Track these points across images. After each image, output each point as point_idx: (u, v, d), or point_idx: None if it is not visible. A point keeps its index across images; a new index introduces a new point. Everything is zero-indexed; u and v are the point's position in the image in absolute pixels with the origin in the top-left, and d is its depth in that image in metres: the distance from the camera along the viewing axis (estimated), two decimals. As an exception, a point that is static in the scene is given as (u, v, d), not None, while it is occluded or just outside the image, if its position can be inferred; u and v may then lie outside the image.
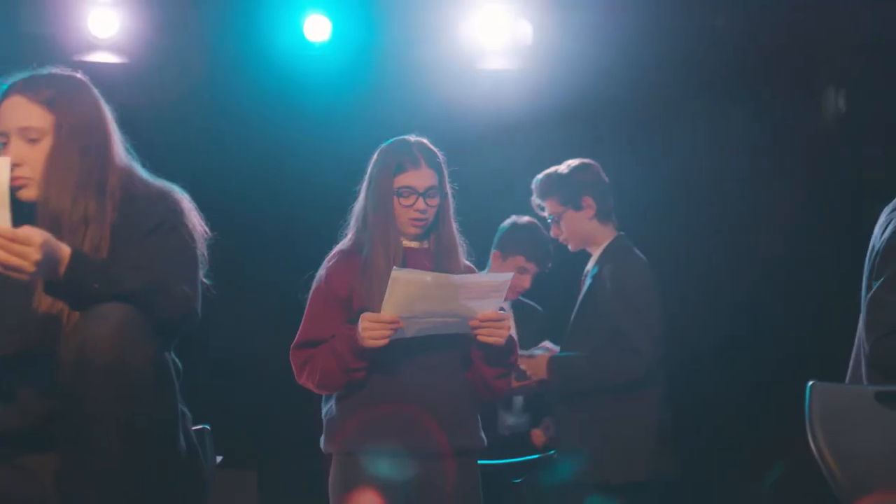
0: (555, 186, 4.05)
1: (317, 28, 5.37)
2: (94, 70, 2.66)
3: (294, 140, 5.37)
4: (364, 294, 3.10)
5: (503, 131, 5.40)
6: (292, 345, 3.12)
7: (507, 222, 4.39)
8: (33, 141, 2.36)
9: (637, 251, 4.02)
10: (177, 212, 2.43)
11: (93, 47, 5.29)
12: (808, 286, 5.17)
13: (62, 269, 2.16)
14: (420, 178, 3.16)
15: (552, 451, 4.05)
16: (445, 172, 3.22)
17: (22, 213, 2.30)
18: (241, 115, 5.37)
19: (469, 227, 3.28)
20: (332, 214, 3.36)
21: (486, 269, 4.24)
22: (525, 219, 4.37)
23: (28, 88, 2.38)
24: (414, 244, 3.19)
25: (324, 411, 3.22)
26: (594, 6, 5.39)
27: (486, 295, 3.01)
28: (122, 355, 2.08)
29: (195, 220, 2.47)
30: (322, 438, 3.19)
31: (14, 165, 2.28)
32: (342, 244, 3.25)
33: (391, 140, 3.24)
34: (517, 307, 4.40)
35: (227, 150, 5.36)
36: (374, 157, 3.24)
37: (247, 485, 5.09)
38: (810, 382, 3.27)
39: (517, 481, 4.01)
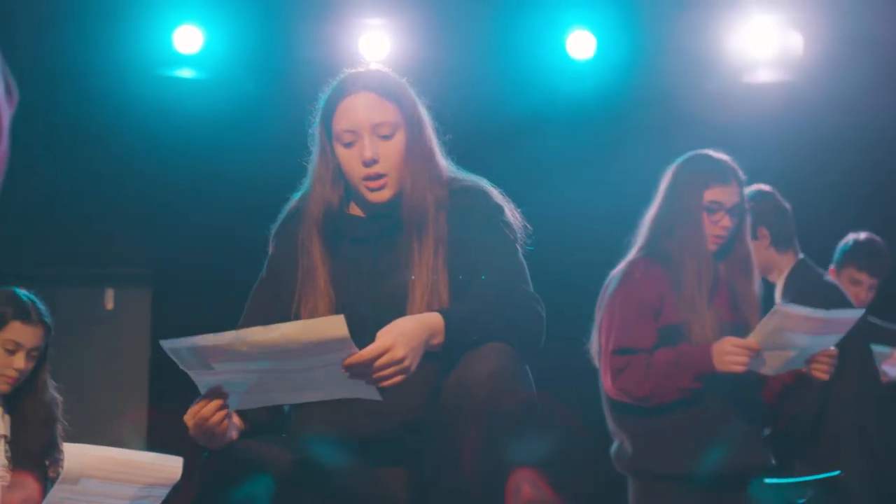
0: None
1: (581, 45, 5.36)
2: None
3: (558, 156, 5.38)
4: (674, 306, 3.08)
5: (775, 145, 5.26)
6: (610, 349, 3.11)
7: (845, 240, 4.37)
8: (386, 137, 2.29)
9: (822, 272, 3.85)
10: (498, 207, 2.35)
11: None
12: None
13: (439, 340, 2.08)
14: (728, 194, 3.13)
15: (837, 472, 3.87)
16: (744, 191, 3.19)
17: (379, 217, 2.30)
18: (503, 131, 5.42)
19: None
20: (617, 226, 3.36)
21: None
22: (863, 234, 4.35)
23: (371, 85, 2.30)
24: None
25: (630, 424, 3.16)
26: (868, 17, 5.18)
27: (833, 330, 2.95)
28: (495, 400, 2.03)
29: (514, 214, 2.38)
30: (635, 455, 3.14)
31: (372, 161, 2.27)
32: (634, 253, 3.21)
33: (694, 154, 3.22)
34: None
35: (488, 163, 5.41)
36: (676, 168, 3.22)
37: None
38: None
39: (800, 502, 3.86)
